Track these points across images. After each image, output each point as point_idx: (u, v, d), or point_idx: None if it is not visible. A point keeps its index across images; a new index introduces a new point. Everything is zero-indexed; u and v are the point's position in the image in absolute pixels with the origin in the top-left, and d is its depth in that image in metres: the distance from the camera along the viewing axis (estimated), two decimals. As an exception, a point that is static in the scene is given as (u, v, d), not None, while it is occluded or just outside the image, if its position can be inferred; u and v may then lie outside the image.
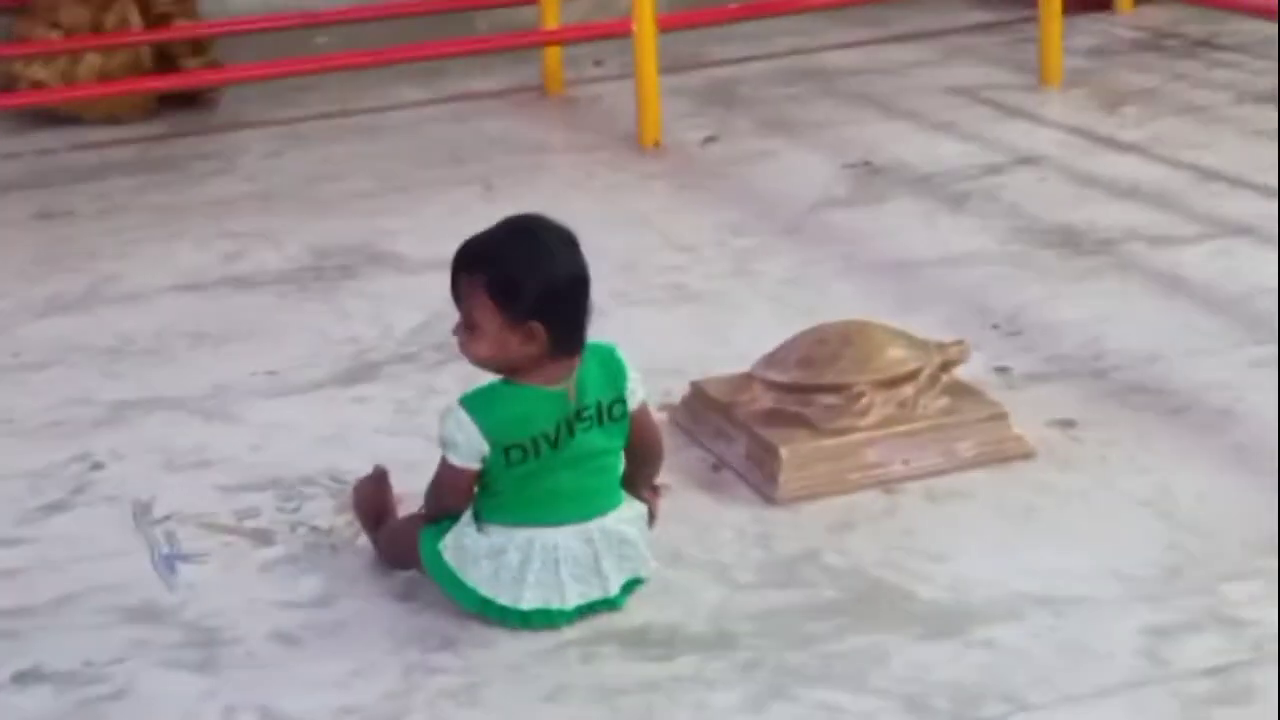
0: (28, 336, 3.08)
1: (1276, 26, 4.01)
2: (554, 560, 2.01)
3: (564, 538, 2.01)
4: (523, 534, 2.01)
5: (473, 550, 2.02)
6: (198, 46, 4.70)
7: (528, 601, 2.00)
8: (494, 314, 1.98)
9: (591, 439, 2.02)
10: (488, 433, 1.98)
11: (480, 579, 2.02)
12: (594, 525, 2.03)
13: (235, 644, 2.02)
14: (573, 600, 2.01)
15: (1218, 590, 2.02)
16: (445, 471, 2.03)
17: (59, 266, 3.45)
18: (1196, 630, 1.94)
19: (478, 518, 2.04)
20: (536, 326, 1.97)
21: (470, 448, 1.99)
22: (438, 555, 2.04)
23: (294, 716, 1.87)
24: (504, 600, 2.02)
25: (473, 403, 2.00)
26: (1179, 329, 2.81)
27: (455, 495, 2.04)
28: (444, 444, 2.01)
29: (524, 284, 1.97)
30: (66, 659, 2.01)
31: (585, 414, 2.02)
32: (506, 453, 1.99)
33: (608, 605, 2.04)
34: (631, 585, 2.07)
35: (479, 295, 1.99)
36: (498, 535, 2.02)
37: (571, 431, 2.01)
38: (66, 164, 4.24)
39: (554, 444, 2.00)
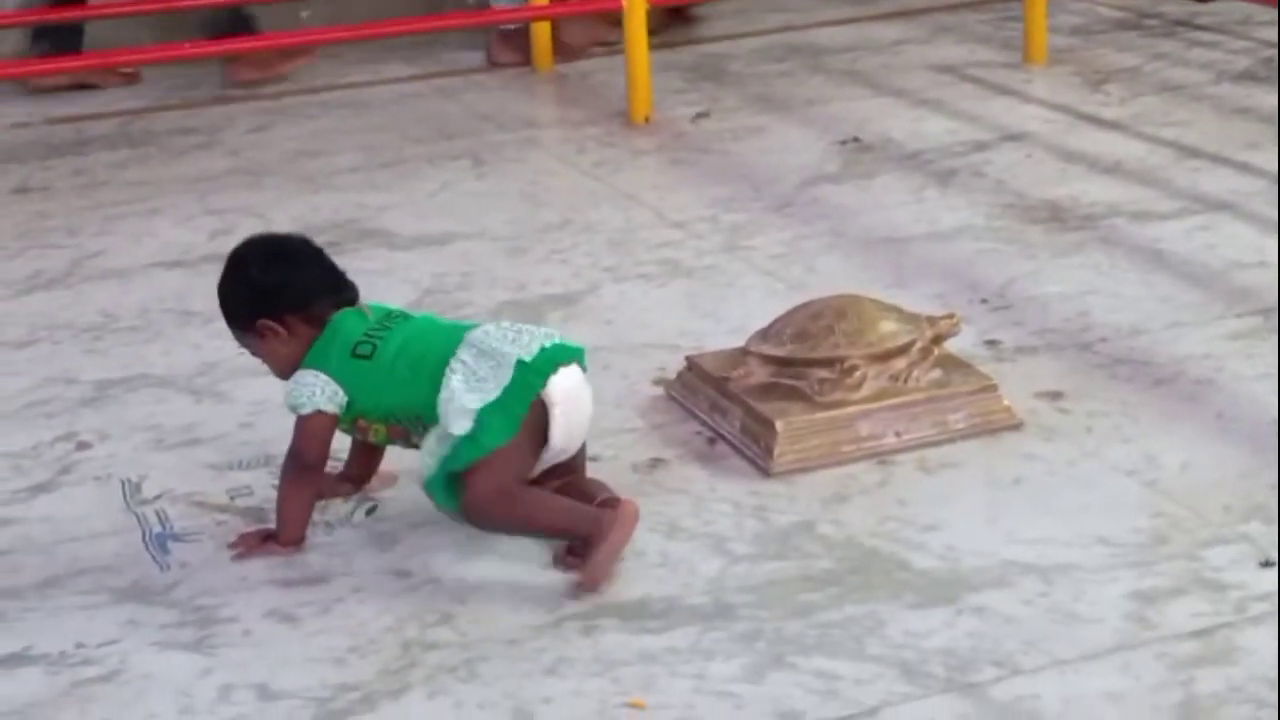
0: (9, 313, 3.05)
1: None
2: (484, 348, 2.07)
3: (474, 338, 2.09)
4: (448, 375, 2.06)
5: (440, 427, 2.06)
6: None
7: (512, 351, 2.05)
8: (243, 336, 2.20)
9: (415, 319, 2.15)
10: (333, 371, 2.10)
11: (465, 423, 2.04)
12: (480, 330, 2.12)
13: (231, 623, 2.01)
14: (538, 342, 2.07)
15: (1201, 555, 2.05)
16: (303, 423, 2.12)
17: (39, 242, 3.42)
18: (1181, 594, 1.97)
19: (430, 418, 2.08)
20: (266, 324, 2.15)
21: (324, 390, 2.10)
22: (440, 481, 2.07)
23: (292, 694, 1.87)
24: (494, 392, 2.04)
25: (307, 361, 2.14)
26: (1161, 302, 2.83)
27: (317, 443, 2.13)
28: (296, 404, 2.12)
29: (231, 302, 2.20)
30: (57, 641, 1.99)
31: (394, 314, 2.17)
32: (356, 353, 2.10)
33: (571, 352, 2.11)
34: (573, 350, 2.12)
35: (232, 333, 2.23)
36: (433, 401, 2.07)
37: (394, 323, 2.14)
38: (42, 137, 4.21)
39: (388, 326, 2.12)
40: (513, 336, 2.09)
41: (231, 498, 2.32)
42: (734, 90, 4.33)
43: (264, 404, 2.62)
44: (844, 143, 3.82)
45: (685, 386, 2.54)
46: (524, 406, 2.05)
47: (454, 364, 2.06)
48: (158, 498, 2.32)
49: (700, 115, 4.10)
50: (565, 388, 2.08)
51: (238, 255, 2.24)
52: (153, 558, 2.17)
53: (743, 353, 2.47)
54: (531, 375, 2.06)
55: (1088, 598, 1.98)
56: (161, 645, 1.98)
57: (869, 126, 3.93)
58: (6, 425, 2.60)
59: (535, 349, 2.07)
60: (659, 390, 2.59)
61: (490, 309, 2.96)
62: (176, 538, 2.22)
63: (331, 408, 2.11)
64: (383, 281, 3.12)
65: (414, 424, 2.11)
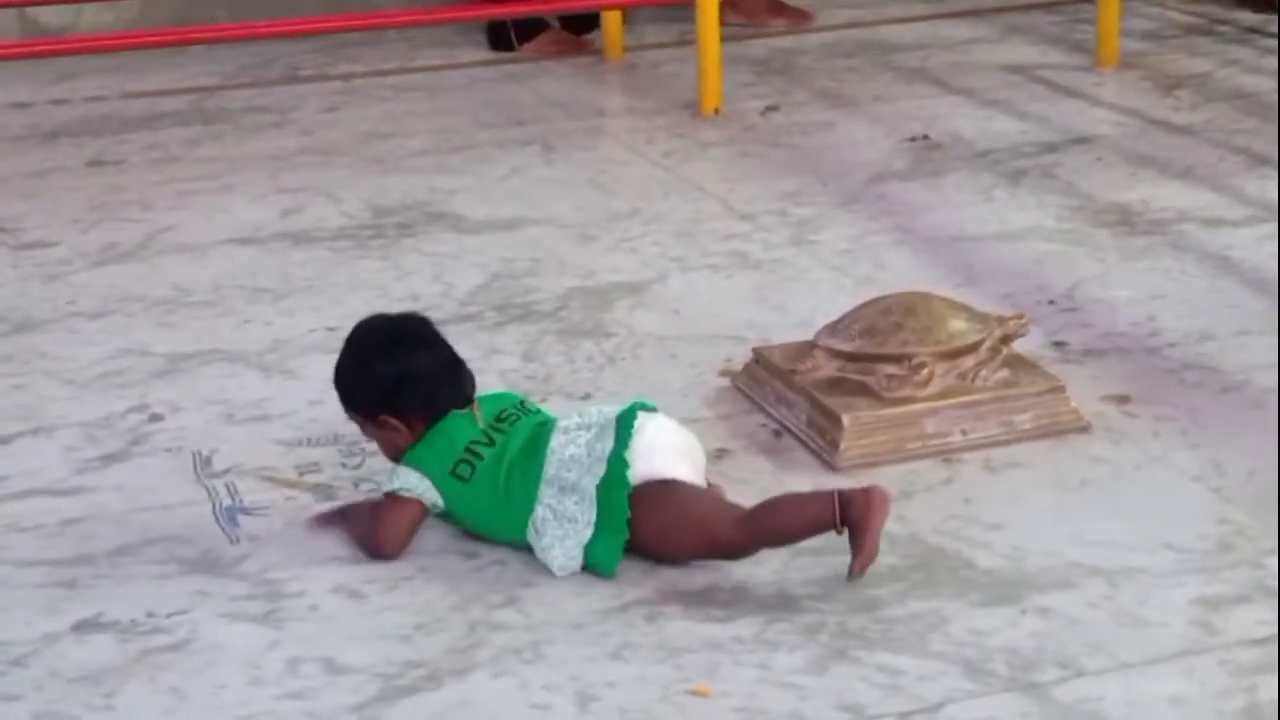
0: (84, 285, 3.10)
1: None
2: (564, 485, 2.03)
3: (552, 474, 2.04)
4: (539, 527, 2.05)
5: (548, 539, 2.04)
6: None
7: (589, 482, 2.02)
8: (362, 422, 2.16)
9: (525, 423, 2.11)
10: (433, 474, 2.08)
11: (573, 565, 2.04)
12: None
13: (298, 597, 2.04)
14: (608, 444, 2.03)
15: (1266, 563, 2.04)
16: (393, 506, 2.09)
17: (113, 215, 3.47)
18: (1246, 602, 1.97)
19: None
20: (387, 419, 2.12)
21: (421, 488, 2.09)
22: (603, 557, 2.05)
23: (359, 669, 1.89)
24: (587, 529, 2.02)
25: (411, 458, 2.11)
26: (1230, 309, 2.82)
27: (399, 534, 2.08)
28: (395, 488, 2.10)
29: (354, 392, 2.15)
30: (128, 609, 2.02)
31: (504, 415, 2.12)
32: (455, 473, 2.07)
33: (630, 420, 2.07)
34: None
35: (348, 413, 2.18)
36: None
37: (501, 430, 2.10)
38: (117, 112, 4.26)
39: (490, 443, 2.09)
40: (586, 453, 2.03)
41: (301, 474, 2.34)
42: (803, 85, 4.34)
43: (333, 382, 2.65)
44: (913, 140, 3.82)
45: (752, 378, 2.55)
46: (622, 512, 2.01)
47: (542, 511, 2.04)
48: (227, 471, 2.35)
49: (769, 109, 4.11)
50: (648, 461, 2.04)
51: (360, 343, 2.17)
52: (222, 530, 2.20)
53: (810, 346, 2.48)
54: (614, 489, 2.02)
55: (1153, 602, 1.97)
56: (231, 616, 2.00)
57: (938, 124, 3.92)
58: (81, 394, 2.64)
59: (606, 458, 2.02)
60: (725, 381, 2.60)
61: (559, 294, 2.98)
62: (246, 511, 2.25)
63: (428, 500, 2.10)
64: (451, 264, 3.16)
65: (515, 545, 2.10)
